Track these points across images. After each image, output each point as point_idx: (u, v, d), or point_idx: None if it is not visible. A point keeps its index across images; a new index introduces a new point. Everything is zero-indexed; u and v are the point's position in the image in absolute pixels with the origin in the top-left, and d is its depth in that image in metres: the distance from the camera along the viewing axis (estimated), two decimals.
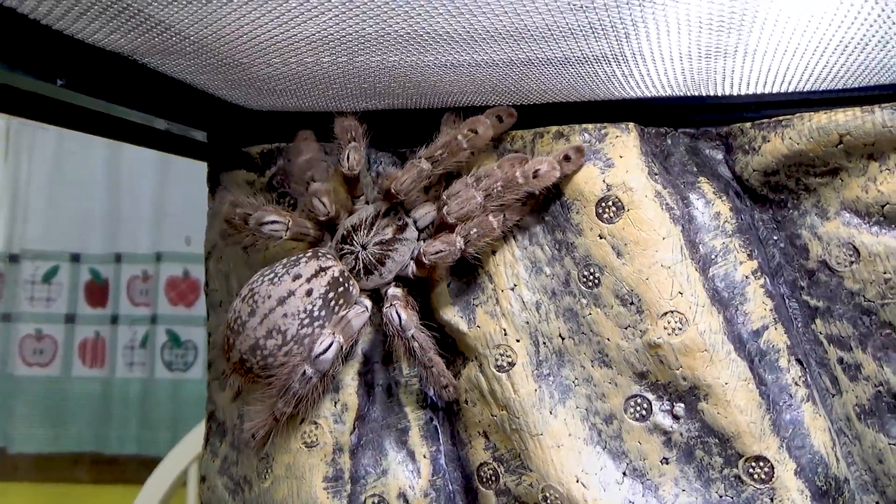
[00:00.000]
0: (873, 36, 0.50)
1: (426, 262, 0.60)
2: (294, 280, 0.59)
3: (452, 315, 0.63)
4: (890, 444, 0.58)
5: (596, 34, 0.49)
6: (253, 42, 0.50)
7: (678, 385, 0.58)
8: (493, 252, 0.62)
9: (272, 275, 0.60)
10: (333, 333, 0.58)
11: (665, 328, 0.57)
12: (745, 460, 0.57)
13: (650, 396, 0.59)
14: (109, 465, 1.54)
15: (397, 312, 0.58)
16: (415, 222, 0.63)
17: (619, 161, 0.59)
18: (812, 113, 0.59)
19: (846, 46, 0.52)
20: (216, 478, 0.69)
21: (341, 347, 0.58)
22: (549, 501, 0.59)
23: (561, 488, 0.59)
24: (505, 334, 0.62)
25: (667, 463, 0.58)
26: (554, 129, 0.62)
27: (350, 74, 0.56)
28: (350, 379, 0.63)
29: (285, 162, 0.67)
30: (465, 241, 0.58)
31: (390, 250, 0.62)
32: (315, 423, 0.62)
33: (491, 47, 0.50)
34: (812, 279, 0.60)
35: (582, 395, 0.61)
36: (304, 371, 0.57)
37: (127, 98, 0.60)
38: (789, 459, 0.56)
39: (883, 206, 0.58)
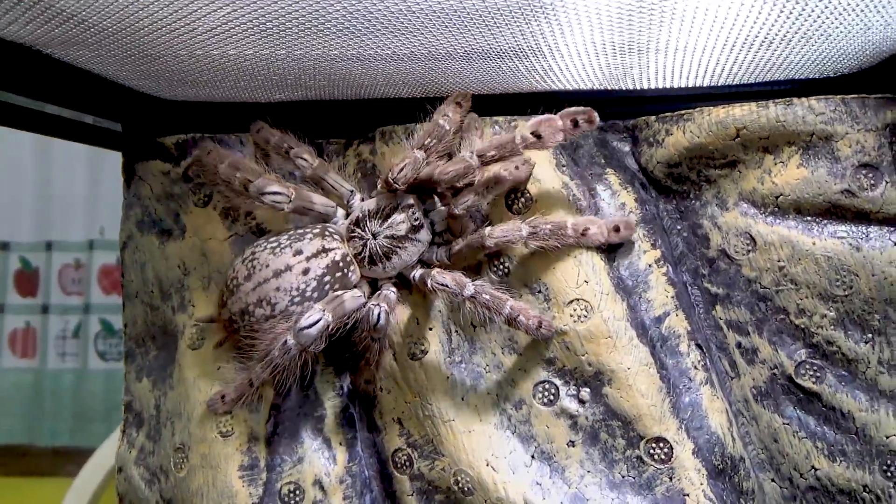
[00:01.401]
0: (777, 34, 0.52)
1: (428, 285, 0.59)
2: (295, 255, 0.59)
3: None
4: (784, 424, 0.61)
5: (507, 28, 0.50)
6: (157, 34, 0.50)
7: (584, 370, 0.60)
8: None
9: (276, 243, 0.60)
10: (323, 310, 0.57)
11: (571, 316, 0.59)
12: (646, 441, 0.59)
13: (558, 382, 0.61)
14: (42, 457, 1.52)
15: (379, 314, 0.57)
16: (432, 224, 0.62)
17: (528, 153, 0.61)
18: (711, 107, 0.61)
19: (752, 44, 0.54)
20: (132, 468, 0.69)
21: (328, 326, 0.56)
22: (460, 485, 0.61)
23: (472, 472, 0.61)
24: (418, 323, 0.63)
25: (573, 445, 0.60)
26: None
27: (260, 66, 0.56)
28: None
29: (204, 172, 0.65)
30: (473, 294, 0.57)
31: (399, 247, 0.61)
32: (230, 413, 0.63)
33: (398, 39, 0.51)
34: (712, 267, 0.63)
35: (493, 381, 0.62)
36: (286, 341, 0.56)
37: (33, 89, 0.59)
38: (688, 440, 0.59)
39: (777, 198, 0.60)
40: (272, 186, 0.60)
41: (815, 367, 0.60)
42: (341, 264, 0.60)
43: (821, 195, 0.59)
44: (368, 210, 0.61)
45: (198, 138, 0.66)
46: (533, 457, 0.61)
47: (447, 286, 0.57)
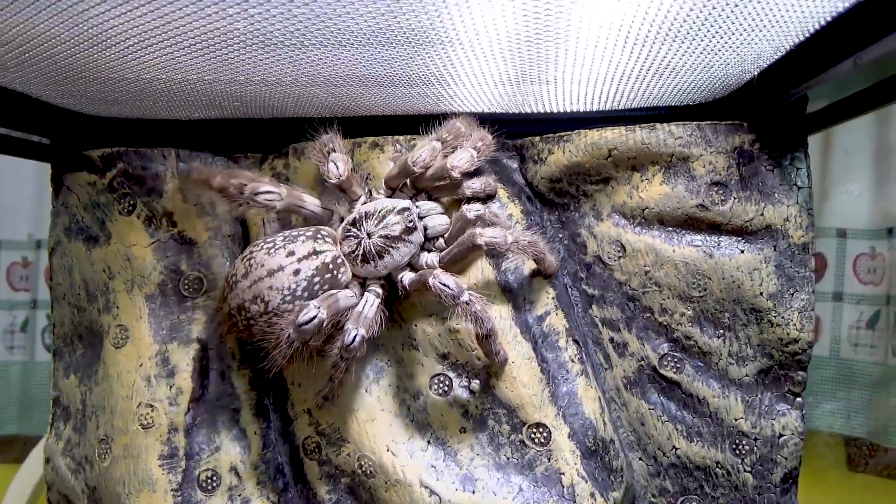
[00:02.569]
0: (648, 68, 0.60)
1: (429, 283, 0.61)
2: (287, 256, 0.63)
3: None
4: (650, 409, 0.70)
5: (407, 59, 0.56)
6: (75, 58, 0.55)
7: (474, 364, 0.67)
8: None
9: (271, 244, 0.64)
10: (319, 307, 0.61)
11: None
12: (528, 427, 0.66)
13: (451, 375, 0.68)
14: None
15: (355, 337, 0.61)
16: (425, 228, 0.67)
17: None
18: (587, 130, 0.68)
19: (628, 76, 0.62)
20: (59, 459, 0.73)
21: (322, 322, 0.60)
22: (363, 468, 0.67)
23: (374, 457, 0.67)
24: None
25: (464, 432, 0.68)
26: (370, 139, 0.69)
27: (175, 89, 0.61)
28: (185, 364, 0.69)
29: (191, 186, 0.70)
30: (468, 301, 0.61)
31: (392, 247, 0.65)
32: (151, 405, 0.68)
33: (299, 67, 0.57)
34: (589, 271, 0.71)
35: (393, 374, 0.69)
36: (289, 335, 0.61)
37: None
38: (564, 425, 0.67)
39: (643, 210, 0.68)
40: (264, 186, 0.65)
41: (675, 359, 0.69)
42: (331, 266, 0.64)
43: (679, 209, 0.67)
44: (366, 212, 0.66)
45: (122, 152, 0.71)
46: (429, 442, 0.68)
47: (448, 286, 0.61)
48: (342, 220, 0.67)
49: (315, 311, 0.60)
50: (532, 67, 0.60)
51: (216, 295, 0.70)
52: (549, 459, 0.66)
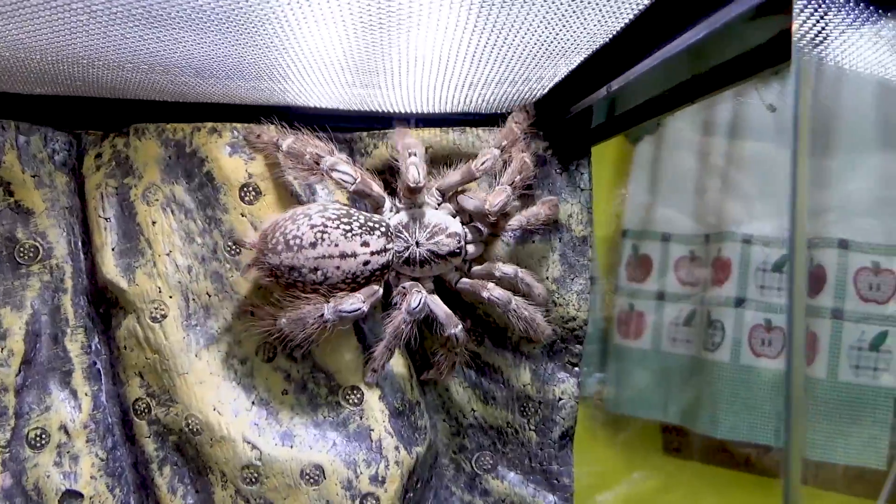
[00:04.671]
0: (472, 82, 0.69)
1: (484, 296, 0.72)
2: (362, 245, 0.68)
3: (115, 275, 0.74)
4: (454, 376, 0.80)
5: (247, 56, 0.62)
6: None
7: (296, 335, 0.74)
8: (153, 223, 0.74)
9: (348, 228, 0.67)
10: (364, 301, 0.67)
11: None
12: (344, 389, 0.75)
13: (275, 344, 0.75)
14: None
15: (421, 299, 0.70)
16: (466, 254, 0.74)
17: (260, 155, 0.74)
18: (409, 129, 0.77)
19: (456, 86, 0.71)
20: None
21: (363, 315, 0.68)
22: (191, 427, 0.73)
23: (200, 416, 0.73)
24: (160, 291, 0.74)
25: (286, 394, 0.75)
26: (210, 124, 0.75)
27: (16, 66, 0.65)
28: (17, 328, 0.72)
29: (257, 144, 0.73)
30: (515, 313, 0.72)
31: (434, 262, 0.72)
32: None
33: (135, 55, 0.62)
34: None
35: (224, 341, 0.75)
36: (324, 313, 0.66)
37: None
38: (376, 388, 0.75)
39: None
40: (343, 167, 0.69)
41: (478, 333, 0.79)
42: (390, 265, 0.71)
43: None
44: (423, 222, 0.72)
45: None
46: (253, 403, 0.75)
47: (500, 299, 0.72)
48: (391, 208, 0.74)
49: (361, 304, 0.67)
50: (367, 76, 0.68)
51: (254, 238, 0.69)
52: (360, 418, 0.75)
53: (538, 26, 0.54)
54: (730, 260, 1.54)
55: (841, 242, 1.38)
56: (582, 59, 0.61)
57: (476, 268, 0.75)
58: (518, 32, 0.56)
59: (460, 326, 0.72)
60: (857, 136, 1.24)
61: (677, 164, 1.63)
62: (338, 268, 0.67)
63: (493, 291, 0.72)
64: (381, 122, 0.79)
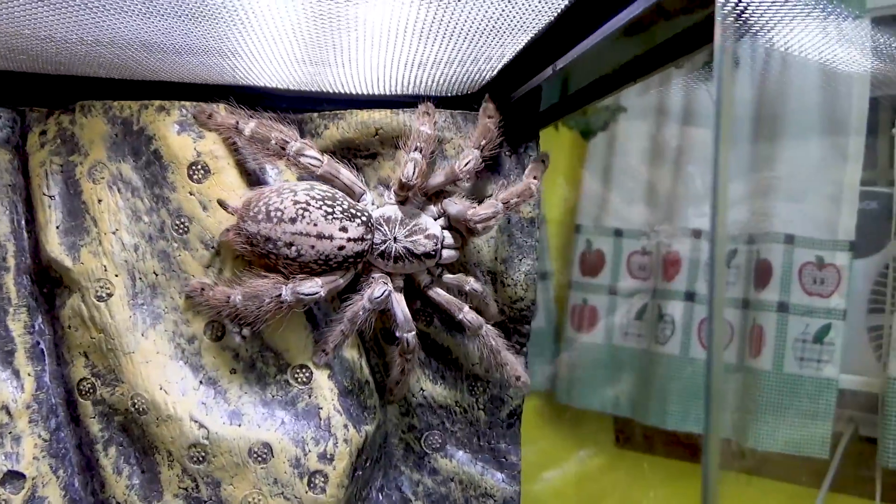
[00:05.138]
0: (421, 61, 0.70)
1: (464, 321, 0.74)
2: (340, 230, 0.68)
3: (59, 253, 0.73)
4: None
5: (193, 34, 0.62)
6: None
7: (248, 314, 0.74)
8: (99, 201, 0.74)
9: (330, 209, 0.68)
10: (322, 286, 0.68)
11: (236, 268, 0.73)
12: (292, 368, 0.75)
13: (226, 322, 0.74)
14: None
15: (386, 293, 0.72)
16: (440, 258, 0.74)
17: (209, 133, 0.74)
18: (359, 110, 0.78)
19: (406, 65, 0.71)
20: None
21: (321, 299, 0.69)
22: (136, 406, 0.73)
23: (147, 395, 0.73)
24: (105, 270, 0.74)
25: (234, 373, 0.75)
26: (157, 102, 0.74)
27: None
28: None
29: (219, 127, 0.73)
30: (483, 339, 0.74)
31: (409, 260, 0.73)
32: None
33: (81, 28, 0.62)
34: None
35: (170, 320, 0.75)
36: (282, 293, 0.67)
37: None
38: (325, 367, 0.76)
39: None
40: (311, 151, 0.70)
41: (427, 313, 0.80)
42: (364, 254, 0.71)
43: (435, 183, 0.78)
44: (400, 219, 0.73)
45: None
46: (201, 382, 0.74)
47: (473, 322, 0.74)
48: (372, 201, 0.75)
49: (319, 288, 0.68)
50: (318, 52, 0.69)
51: (238, 203, 0.70)
52: (309, 396, 0.75)
53: (485, 1, 0.55)
54: (679, 254, 1.57)
55: (787, 238, 1.42)
56: (529, 37, 0.62)
57: (448, 276, 0.77)
58: (465, 7, 0.57)
59: (413, 332, 0.73)
60: (801, 124, 1.27)
61: (629, 160, 1.66)
62: (313, 247, 0.68)
63: (467, 315, 0.74)
64: (332, 103, 0.80)
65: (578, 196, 1.68)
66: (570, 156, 1.70)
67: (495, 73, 0.73)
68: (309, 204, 0.68)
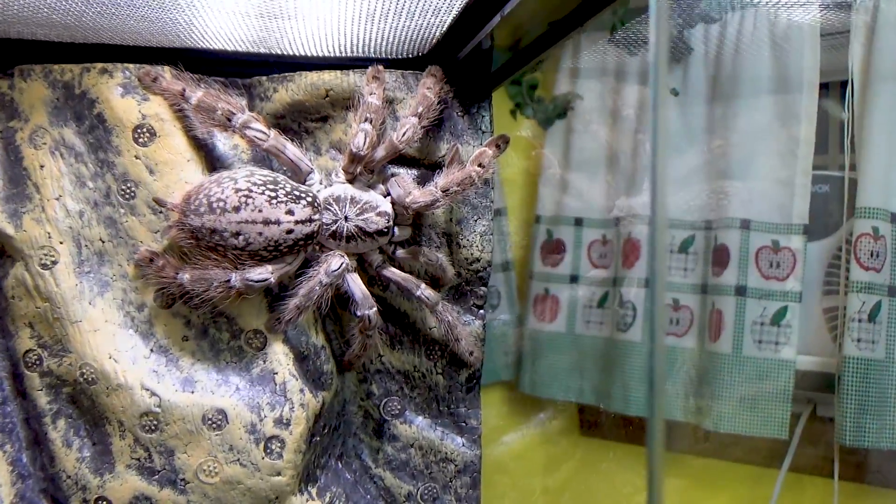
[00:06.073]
0: (370, 12, 0.68)
1: (430, 307, 0.74)
2: (287, 214, 0.67)
3: (0, 221, 0.71)
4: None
5: None
6: None
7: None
8: (41, 167, 0.72)
9: (273, 193, 0.67)
10: (272, 272, 0.67)
11: None
12: (246, 333, 0.73)
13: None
14: None
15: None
16: (393, 235, 0.74)
17: (154, 96, 0.73)
18: (308, 72, 0.77)
19: (355, 18, 0.70)
20: None
21: (270, 285, 0.68)
22: (85, 376, 0.71)
23: (95, 364, 0.71)
24: (49, 237, 0.71)
25: (186, 340, 0.73)
26: (99, 65, 0.73)
27: None
28: None
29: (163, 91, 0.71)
30: (441, 314, 0.75)
31: (361, 239, 0.72)
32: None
33: None
34: None
35: (119, 288, 0.73)
36: (231, 279, 0.65)
37: None
38: (280, 332, 0.74)
39: None
40: (257, 125, 0.69)
41: (383, 280, 0.79)
42: (314, 236, 0.69)
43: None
44: (352, 196, 0.72)
45: None
46: (152, 350, 0.73)
47: (430, 298, 0.74)
48: (320, 181, 0.74)
49: (269, 274, 0.67)
50: (266, 1, 0.67)
51: (177, 199, 0.68)
52: (264, 362, 0.73)
53: None
54: (639, 242, 1.58)
55: (743, 223, 1.44)
56: None
57: (400, 252, 0.76)
58: None
59: (374, 309, 0.72)
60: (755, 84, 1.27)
61: (587, 148, 1.67)
62: (260, 234, 0.67)
63: (424, 292, 0.74)
64: (281, 66, 0.79)
65: (537, 185, 1.69)
66: (528, 145, 1.71)
67: (445, 29, 0.73)
68: (251, 190, 0.66)
